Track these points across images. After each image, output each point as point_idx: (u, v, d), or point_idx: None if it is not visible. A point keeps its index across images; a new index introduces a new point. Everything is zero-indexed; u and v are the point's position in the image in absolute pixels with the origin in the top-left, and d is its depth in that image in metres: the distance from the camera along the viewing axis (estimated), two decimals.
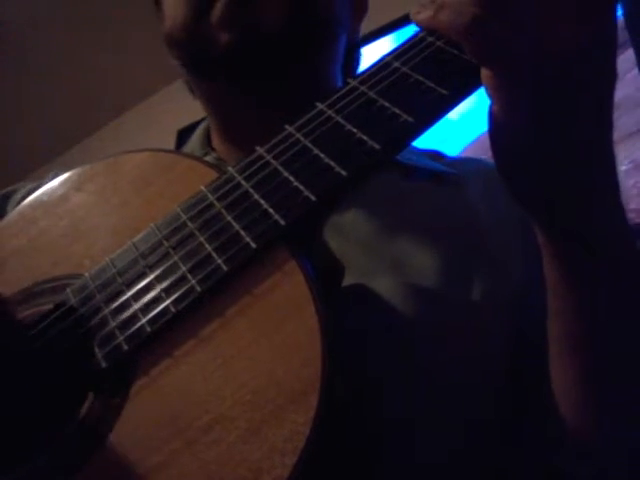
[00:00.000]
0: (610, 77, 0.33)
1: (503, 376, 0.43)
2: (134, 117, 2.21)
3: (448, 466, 0.40)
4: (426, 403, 0.40)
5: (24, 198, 0.52)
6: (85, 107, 2.18)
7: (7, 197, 0.58)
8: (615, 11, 0.34)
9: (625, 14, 1.48)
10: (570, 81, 0.32)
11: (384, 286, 0.42)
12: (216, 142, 0.58)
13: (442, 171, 0.53)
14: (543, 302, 0.38)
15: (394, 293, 0.42)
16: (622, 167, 1.41)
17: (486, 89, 0.34)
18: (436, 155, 0.58)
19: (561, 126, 0.33)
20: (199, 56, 0.51)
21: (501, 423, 0.42)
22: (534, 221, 0.37)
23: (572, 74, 0.32)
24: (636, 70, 1.52)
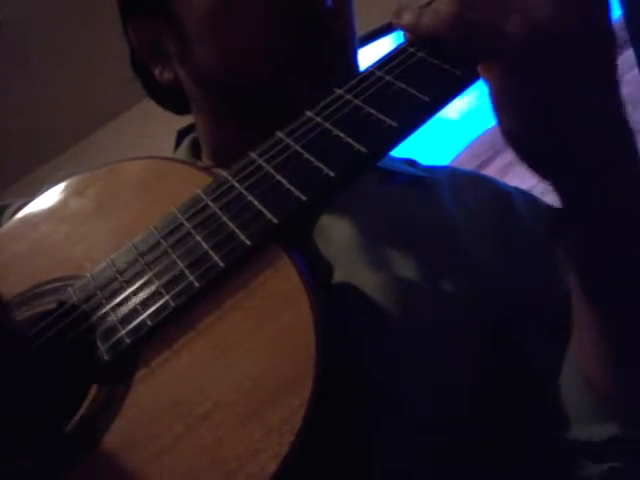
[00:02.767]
0: (607, 39, 0.36)
1: (484, 366, 0.47)
2: (134, 117, 2.25)
3: (436, 446, 0.44)
4: (412, 386, 0.44)
5: (16, 212, 0.55)
6: (85, 107, 2.23)
7: (0, 211, 0.62)
8: None
9: (625, 14, 1.52)
10: (565, 50, 0.34)
11: (367, 282, 0.46)
12: (205, 157, 0.61)
13: (418, 175, 0.58)
14: (522, 291, 0.42)
15: (377, 288, 0.46)
16: None
17: (484, 81, 0.37)
18: (410, 162, 0.63)
19: (564, 97, 0.35)
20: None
21: (484, 415, 0.46)
22: (557, 192, 0.39)
23: (566, 43, 0.34)
24: (636, 70, 1.55)
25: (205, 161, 0.61)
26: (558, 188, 0.39)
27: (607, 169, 0.37)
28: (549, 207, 0.58)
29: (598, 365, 0.42)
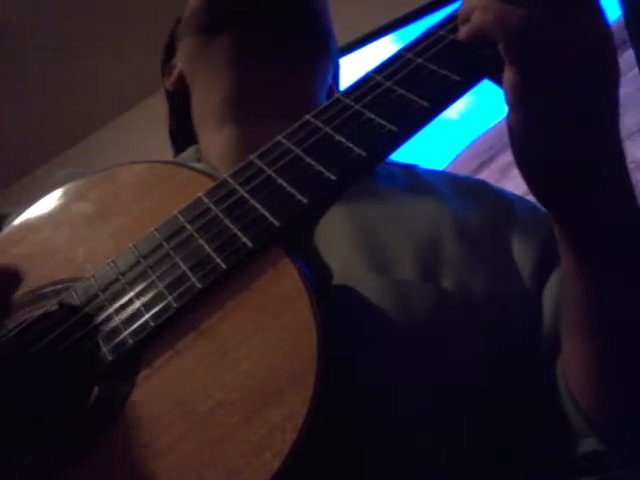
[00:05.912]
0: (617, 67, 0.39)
1: (485, 367, 0.48)
2: (134, 117, 2.27)
3: (438, 458, 0.45)
4: (411, 387, 0.45)
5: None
6: (85, 107, 2.25)
7: (1, 220, 0.63)
8: None
9: (625, 14, 1.53)
10: (594, 73, 0.37)
11: (366, 284, 0.47)
12: (205, 160, 0.63)
13: (417, 180, 0.60)
14: (510, 303, 0.44)
15: (376, 290, 0.47)
16: None
17: (512, 97, 0.39)
18: (410, 167, 0.64)
19: (584, 123, 0.38)
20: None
21: (486, 416, 0.47)
22: (553, 216, 0.43)
23: (597, 66, 0.37)
24: (636, 70, 1.57)
25: (206, 164, 0.63)
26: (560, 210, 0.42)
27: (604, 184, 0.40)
28: (548, 214, 0.60)
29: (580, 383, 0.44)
